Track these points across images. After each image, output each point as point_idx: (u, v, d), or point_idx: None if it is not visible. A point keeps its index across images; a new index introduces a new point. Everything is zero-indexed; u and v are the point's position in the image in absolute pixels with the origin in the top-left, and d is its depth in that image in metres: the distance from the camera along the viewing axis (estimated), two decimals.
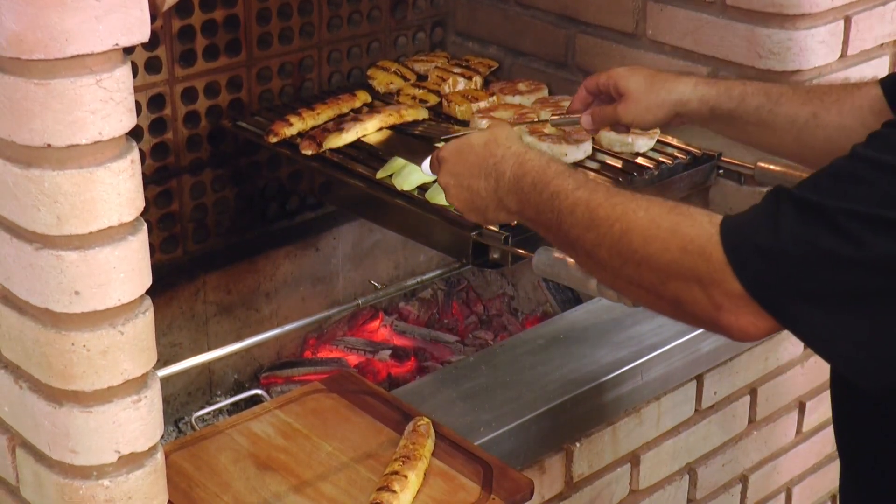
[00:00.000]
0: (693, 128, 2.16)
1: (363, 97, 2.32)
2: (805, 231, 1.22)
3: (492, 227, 1.85)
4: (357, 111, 2.27)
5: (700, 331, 2.02)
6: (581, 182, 1.45)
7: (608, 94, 1.93)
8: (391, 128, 2.20)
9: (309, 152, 2.11)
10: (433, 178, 1.83)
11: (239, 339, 2.16)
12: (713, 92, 1.82)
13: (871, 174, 1.22)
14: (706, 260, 1.28)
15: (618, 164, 2.09)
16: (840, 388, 1.54)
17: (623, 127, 1.96)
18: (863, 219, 1.20)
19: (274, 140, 2.15)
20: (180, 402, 2.27)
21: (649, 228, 1.33)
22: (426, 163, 1.80)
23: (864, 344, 1.24)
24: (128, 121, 1.26)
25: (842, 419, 1.56)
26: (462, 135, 1.85)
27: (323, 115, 2.23)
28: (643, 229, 1.34)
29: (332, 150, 2.12)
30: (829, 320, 1.24)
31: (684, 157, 2.12)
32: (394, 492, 1.52)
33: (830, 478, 2.45)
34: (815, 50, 2.05)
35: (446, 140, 2.01)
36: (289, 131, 2.16)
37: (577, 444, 1.90)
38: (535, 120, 2.17)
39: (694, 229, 1.30)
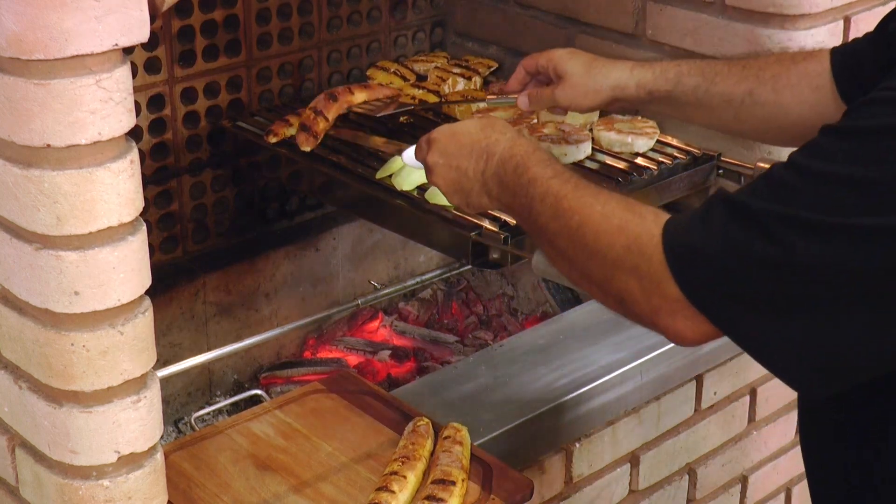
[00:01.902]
0: (693, 128, 2.17)
1: (363, 97, 2.32)
2: (738, 235, 1.20)
3: (491, 228, 1.85)
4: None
5: None
6: (558, 172, 1.44)
7: (546, 75, 1.95)
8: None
9: (307, 148, 2.11)
10: (416, 167, 1.76)
11: (239, 339, 2.17)
12: (649, 75, 1.83)
13: (802, 181, 1.19)
14: (647, 259, 1.27)
15: (618, 164, 2.09)
16: (804, 402, 1.53)
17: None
18: (793, 224, 1.17)
19: (274, 140, 2.15)
20: (180, 402, 2.27)
21: (601, 223, 1.33)
22: (410, 150, 1.76)
23: (799, 350, 1.21)
24: (127, 121, 1.26)
25: (807, 437, 1.54)
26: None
27: None
28: (596, 223, 1.33)
29: (331, 149, 2.12)
30: (764, 325, 1.21)
31: (684, 157, 2.12)
32: (392, 492, 1.52)
33: None
34: None
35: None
36: (289, 131, 2.16)
37: (577, 444, 1.90)
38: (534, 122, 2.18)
39: (640, 227, 1.29)
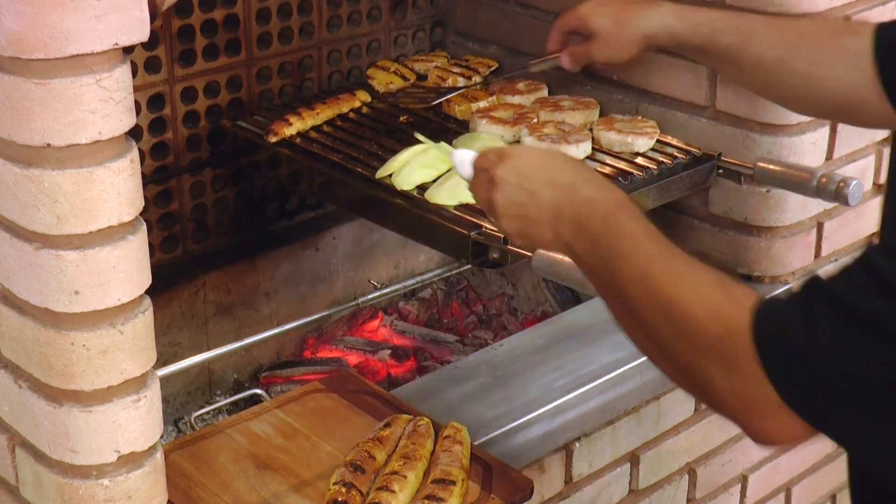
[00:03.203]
0: (693, 128, 2.17)
1: (363, 97, 2.32)
2: (844, 334, 1.07)
3: (491, 228, 1.85)
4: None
5: None
6: (651, 232, 1.29)
7: (580, 33, 1.95)
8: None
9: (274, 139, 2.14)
10: (463, 175, 1.54)
11: (239, 338, 2.17)
12: (681, 27, 1.79)
13: None
14: (741, 354, 1.13)
15: (618, 163, 2.09)
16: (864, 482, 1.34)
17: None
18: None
19: (274, 140, 2.15)
20: (180, 401, 2.27)
21: (694, 305, 1.18)
22: (464, 153, 1.53)
23: None
24: (127, 120, 1.26)
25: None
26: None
27: (323, 114, 2.23)
28: (688, 303, 1.19)
29: (331, 149, 2.12)
30: (880, 433, 1.10)
31: (684, 156, 2.12)
32: (393, 492, 1.52)
33: (830, 478, 2.45)
34: None
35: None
36: (289, 131, 2.16)
37: (577, 444, 1.90)
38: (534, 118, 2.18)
39: (735, 315, 1.15)
